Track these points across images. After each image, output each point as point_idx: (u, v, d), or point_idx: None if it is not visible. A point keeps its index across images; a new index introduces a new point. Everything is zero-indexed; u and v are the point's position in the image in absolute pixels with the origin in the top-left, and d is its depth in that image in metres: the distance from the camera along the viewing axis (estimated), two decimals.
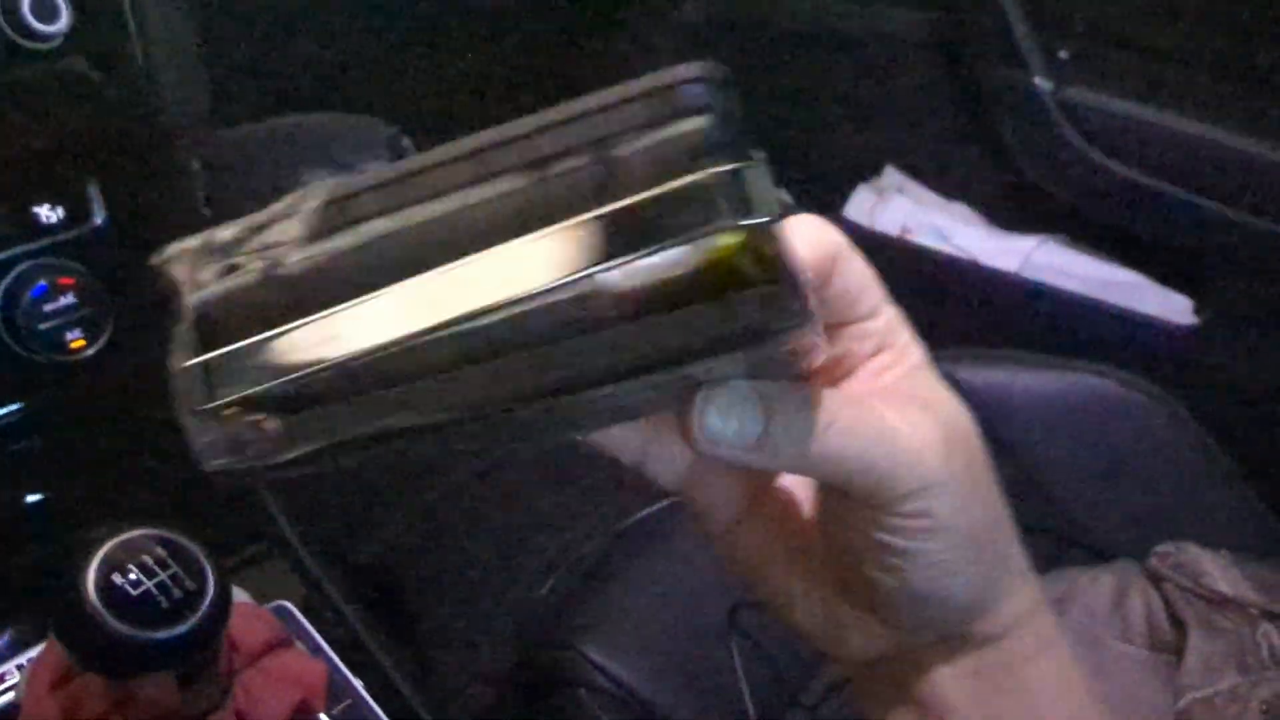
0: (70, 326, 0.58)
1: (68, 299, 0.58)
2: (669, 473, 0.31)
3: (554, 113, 0.23)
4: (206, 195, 0.60)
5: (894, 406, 0.27)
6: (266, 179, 0.67)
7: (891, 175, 1.22)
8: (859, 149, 1.22)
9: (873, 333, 0.29)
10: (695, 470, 0.31)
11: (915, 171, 1.20)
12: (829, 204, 1.24)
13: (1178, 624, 0.81)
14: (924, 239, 1.18)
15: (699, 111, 0.23)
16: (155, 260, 0.24)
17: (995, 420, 0.97)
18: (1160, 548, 0.86)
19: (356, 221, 0.23)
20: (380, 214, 0.23)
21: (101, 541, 0.43)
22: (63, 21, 0.51)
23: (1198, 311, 1.06)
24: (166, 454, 0.67)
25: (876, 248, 1.23)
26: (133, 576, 0.43)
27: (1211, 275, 1.06)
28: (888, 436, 0.26)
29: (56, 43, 0.52)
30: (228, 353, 0.24)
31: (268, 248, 0.24)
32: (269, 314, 0.23)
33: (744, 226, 0.22)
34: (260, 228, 0.24)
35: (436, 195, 0.23)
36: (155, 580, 0.43)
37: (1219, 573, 0.83)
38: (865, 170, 1.22)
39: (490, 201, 0.23)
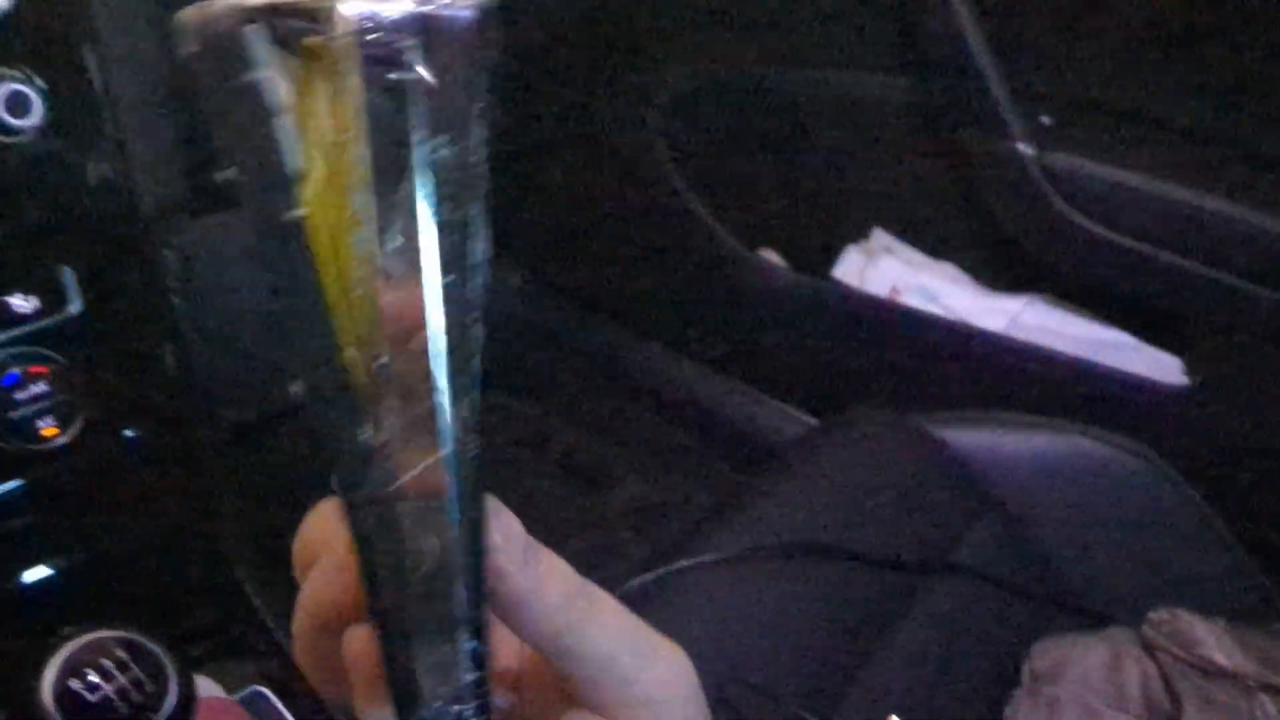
0: (42, 415, 0.58)
1: (39, 387, 0.57)
2: None
3: None
4: (180, 284, 0.60)
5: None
6: (242, 268, 0.67)
7: (880, 237, 1.22)
8: (846, 211, 1.23)
9: None
10: None
11: (903, 233, 1.20)
12: (817, 266, 1.24)
13: (1174, 694, 0.80)
14: (913, 299, 1.18)
15: None
16: None
17: (984, 481, 0.96)
18: (1155, 614, 0.85)
19: None
20: None
21: (61, 644, 0.43)
22: (36, 115, 0.52)
23: (1187, 372, 1.06)
24: (140, 540, 0.66)
25: (865, 309, 1.24)
26: (92, 680, 0.42)
27: (1200, 336, 1.06)
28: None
29: (31, 135, 0.52)
30: None
31: None
32: None
33: None
34: None
35: None
36: (115, 685, 0.42)
37: (1214, 642, 0.82)
38: (853, 232, 1.23)
39: None
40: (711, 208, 1.27)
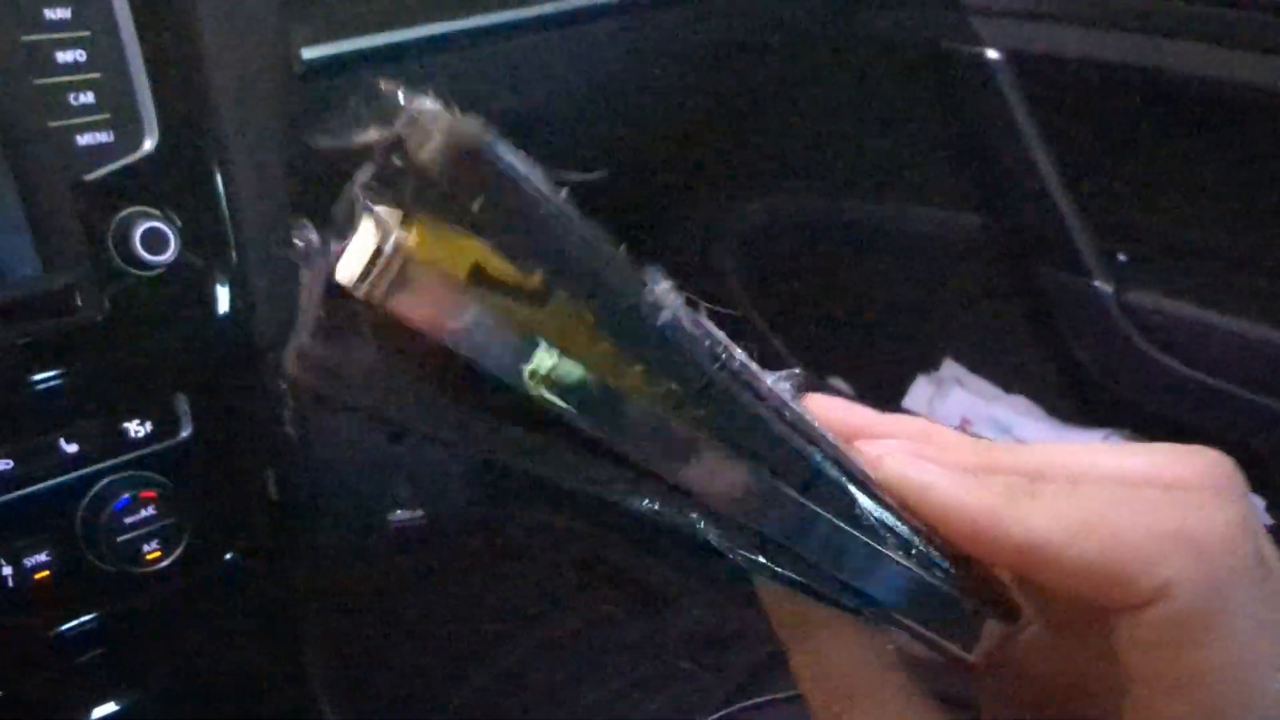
0: (148, 539, 0.58)
1: (148, 511, 0.58)
2: None
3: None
4: (291, 414, 0.61)
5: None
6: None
7: (950, 367, 1.22)
8: (917, 341, 1.23)
9: None
10: None
11: (974, 364, 1.20)
12: (888, 396, 1.24)
13: None
14: (984, 431, 1.17)
15: None
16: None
17: None
18: None
19: None
20: None
21: None
22: (170, 250, 0.54)
23: (1271, 512, 1.03)
24: (225, 671, 0.66)
25: None
26: None
27: None
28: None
29: (162, 269, 0.54)
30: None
31: None
32: None
33: None
34: None
35: None
36: None
37: None
38: (924, 362, 1.23)
39: None
40: (782, 335, 1.28)
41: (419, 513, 0.83)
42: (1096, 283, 1.01)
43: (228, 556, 0.63)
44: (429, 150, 0.20)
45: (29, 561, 0.56)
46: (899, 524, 0.25)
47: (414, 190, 0.20)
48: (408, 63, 0.72)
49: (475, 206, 0.20)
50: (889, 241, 1.18)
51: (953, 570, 0.26)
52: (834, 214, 1.21)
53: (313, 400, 0.22)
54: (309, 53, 0.64)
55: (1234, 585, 0.22)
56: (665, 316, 0.21)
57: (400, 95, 0.20)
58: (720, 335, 0.23)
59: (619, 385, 0.22)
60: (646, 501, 0.23)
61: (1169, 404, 1.05)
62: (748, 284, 1.29)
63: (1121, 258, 1.03)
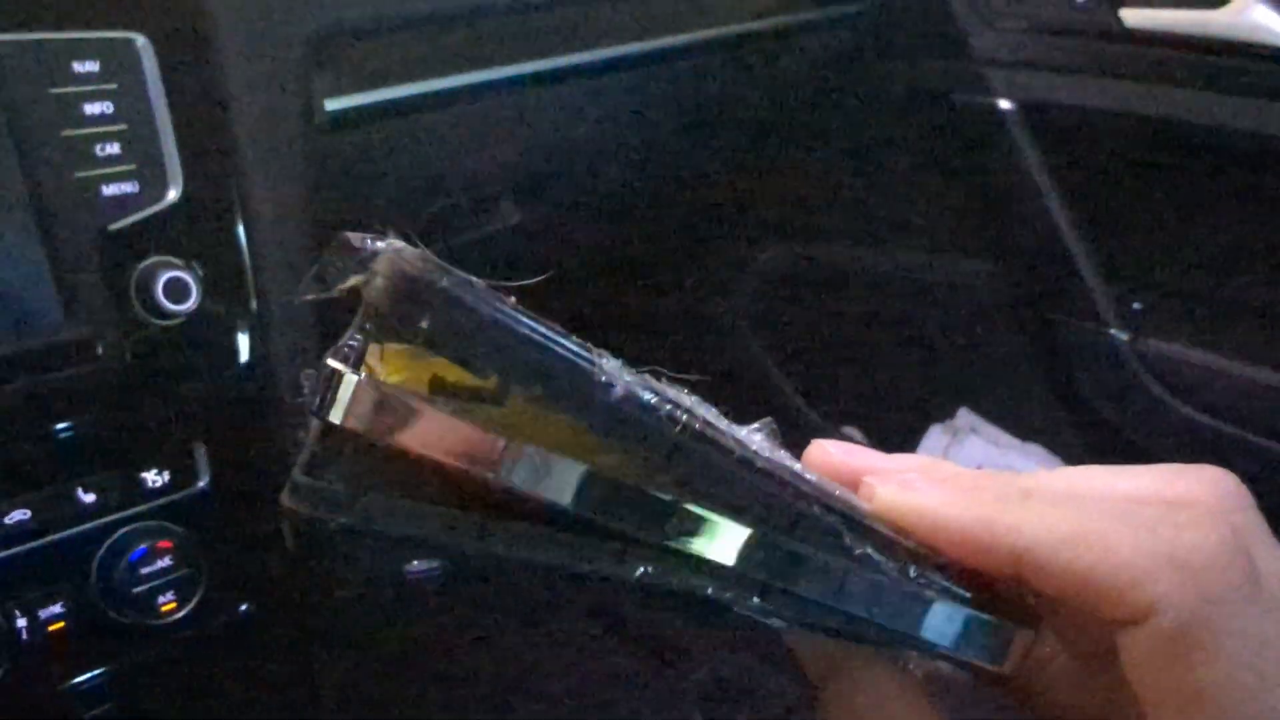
0: (164, 589, 0.58)
1: (164, 561, 0.58)
2: None
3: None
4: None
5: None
6: None
7: (966, 416, 1.21)
8: (932, 390, 1.22)
9: None
10: None
11: (989, 413, 1.20)
12: (903, 444, 1.23)
13: None
14: None
15: None
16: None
17: None
18: None
19: None
20: None
21: None
22: (192, 300, 0.54)
23: None
24: (242, 716, 0.65)
25: None
26: None
27: None
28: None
29: (182, 320, 0.54)
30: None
31: None
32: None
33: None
34: None
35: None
36: None
37: None
38: (938, 411, 1.22)
39: None
40: (795, 383, 1.28)
41: (435, 563, 0.82)
42: (1112, 330, 1.01)
43: (243, 607, 0.62)
44: (376, 287, 0.22)
45: (44, 613, 0.55)
46: (889, 556, 0.26)
47: (373, 323, 0.23)
48: (427, 114, 0.72)
49: (424, 325, 0.22)
50: (903, 290, 1.19)
51: (960, 588, 0.26)
52: (848, 263, 1.21)
53: (306, 525, 0.25)
54: (332, 104, 0.65)
55: (1223, 604, 0.22)
56: (617, 392, 0.23)
57: (358, 242, 0.23)
58: (683, 399, 0.24)
59: (591, 464, 0.23)
60: (642, 569, 0.24)
61: (1186, 451, 1.04)
62: (762, 333, 1.29)
63: (1136, 305, 1.03)
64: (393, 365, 0.24)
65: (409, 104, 0.70)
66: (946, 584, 0.26)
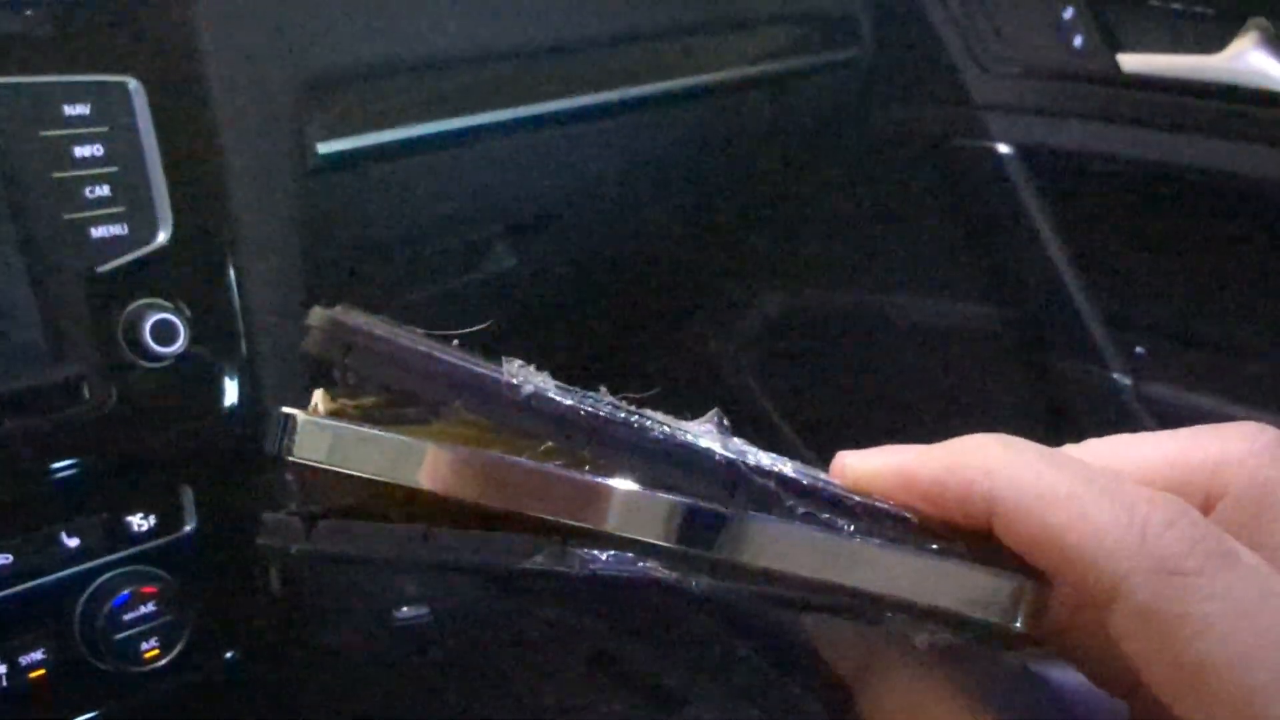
0: (147, 636, 0.57)
1: (148, 608, 0.57)
2: None
3: None
4: (301, 505, 0.60)
5: None
6: None
7: None
8: (933, 433, 1.21)
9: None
10: None
11: None
12: None
13: None
14: None
15: None
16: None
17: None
18: None
19: None
20: None
21: None
22: (180, 342, 0.53)
23: None
24: None
25: None
26: None
27: None
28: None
29: (169, 362, 0.54)
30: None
31: None
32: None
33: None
34: None
35: None
36: None
37: None
38: None
39: None
40: (795, 426, 1.27)
41: (424, 609, 0.82)
42: (1115, 374, 1.00)
43: (228, 655, 0.61)
44: (310, 340, 0.25)
45: (24, 660, 0.54)
46: (854, 519, 0.25)
47: (312, 372, 0.27)
48: (420, 157, 0.73)
49: (348, 363, 0.25)
50: (904, 334, 1.18)
51: (948, 546, 0.25)
52: (848, 306, 1.21)
53: (276, 558, 0.27)
54: (324, 147, 0.65)
55: (1195, 579, 0.21)
56: (528, 389, 0.25)
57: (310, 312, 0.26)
58: (604, 398, 0.26)
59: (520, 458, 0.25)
60: (586, 560, 0.25)
61: None
62: (761, 376, 1.28)
63: (1139, 350, 1.02)
64: (333, 406, 0.27)
65: (402, 147, 0.70)
66: (934, 545, 0.25)
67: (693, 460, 0.25)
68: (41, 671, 0.54)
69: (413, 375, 0.25)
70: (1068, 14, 0.96)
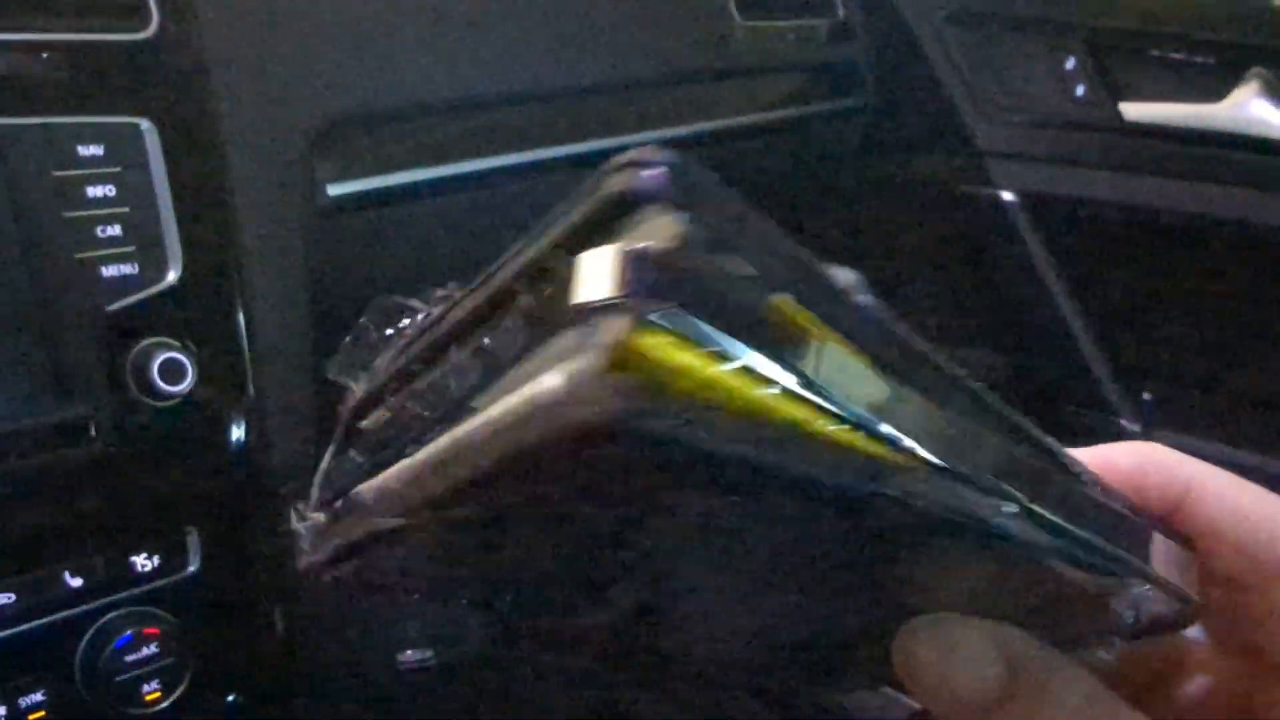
0: (148, 678, 0.56)
1: (150, 649, 0.56)
2: None
3: None
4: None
5: None
6: None
7: None
8: None
9: None
10: None
11: None
12: None
13: None
14: None
15: None
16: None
17: None
18: None
19: None
20: None
21: None
22: (187, 381, 0.53)
23: None
24: None
25: None
26: None
27: None
28: None
29: (176, 401, 0.54)
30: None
31: None
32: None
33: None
34: None
35: None
36: None
37: None
38: None
39: None
40: None
41: (429, 653, 0.81)
42: (1123, 421, 1.00)
43: (230, 698, 0.60)
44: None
45: (24, 702, 0.54)
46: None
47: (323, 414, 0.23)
48: (430, 200, 0.73)
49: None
50: None
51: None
52: None
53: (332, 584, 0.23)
54: (334, 189, 0.66)
55: None
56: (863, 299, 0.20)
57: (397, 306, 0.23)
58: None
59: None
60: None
61: None
62: None
63: (1147, 396, 1.02)
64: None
65: (412, 190, 0.70)
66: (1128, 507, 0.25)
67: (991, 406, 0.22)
68: (41, 713, 0.54)
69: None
70: (1070, 63, 0.97)
